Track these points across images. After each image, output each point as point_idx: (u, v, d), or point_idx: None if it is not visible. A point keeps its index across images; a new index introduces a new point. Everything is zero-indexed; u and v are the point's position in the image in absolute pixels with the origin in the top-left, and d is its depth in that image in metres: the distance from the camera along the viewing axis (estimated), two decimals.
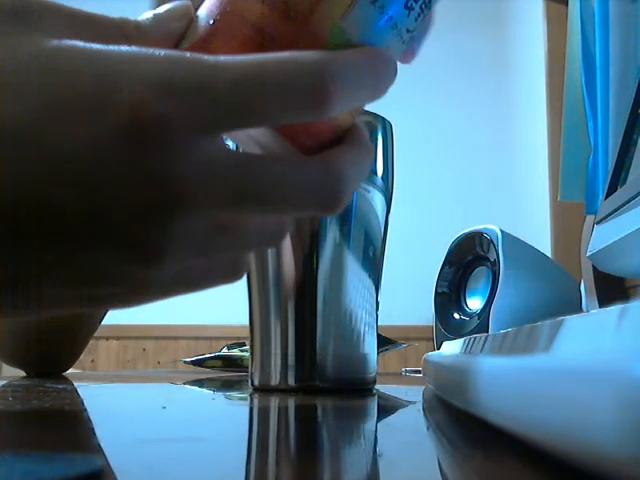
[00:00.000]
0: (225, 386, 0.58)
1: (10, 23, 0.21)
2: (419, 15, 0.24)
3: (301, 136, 0.23)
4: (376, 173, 0.46)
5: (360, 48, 0.23)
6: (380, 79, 0.24)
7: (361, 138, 0.24)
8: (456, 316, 0.92)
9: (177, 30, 0.24)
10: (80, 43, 0.21)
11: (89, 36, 0.22)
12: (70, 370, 0.69)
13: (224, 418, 0.33)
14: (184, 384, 0.59)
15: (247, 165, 0.21)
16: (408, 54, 0.26)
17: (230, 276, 0.26)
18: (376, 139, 0.47)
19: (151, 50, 0.21)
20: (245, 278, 0.47)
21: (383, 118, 0.47)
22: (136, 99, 0.19)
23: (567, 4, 1.29)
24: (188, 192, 0.20)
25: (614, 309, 0.13)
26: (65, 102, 0.20)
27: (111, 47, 0.20)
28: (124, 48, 0.21)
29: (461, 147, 2.18)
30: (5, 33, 0.21)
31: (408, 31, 0.24)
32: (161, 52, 0.20)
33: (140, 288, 0.23)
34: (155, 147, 0.20)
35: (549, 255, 1.56)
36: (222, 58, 0.21)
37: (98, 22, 0.23)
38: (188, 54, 0.21)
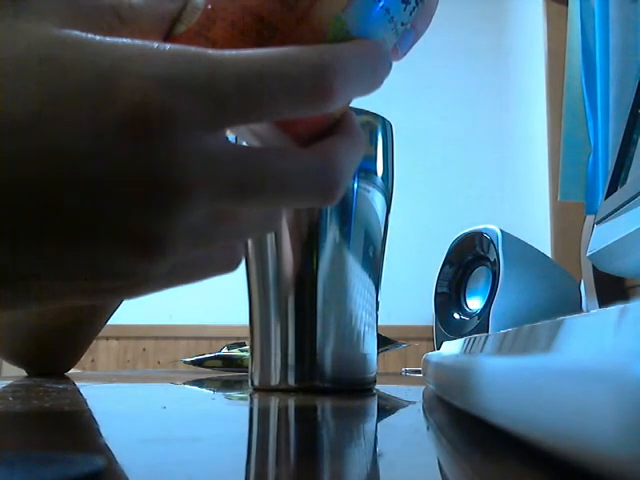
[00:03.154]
0: (225, 386, 0.58)
1: (8, 7, 0.20)
2: (414, 9, 0.25)
3: (297, 127, 0.24)
4: (376, 173, 0.46)
5: (359, 41, 0.23)
6: (377, 72, 0.24)
7: (353, 127, 0.25)
8: (456, 316, 0.92)
9: (172, 11, 0.24)
10: (82, 34, 0.20)
11: (83, 17, 0.21)
12: (70, 370, 0.69)
13: (224, 418, 0.33)
14: (184, 384, 0.59)
15: (247, 158, 0.21)
16: (397, 51, 0.27)
17: (227, 265, 0.26)
18: (376, 139, 0.46)
19: (155, 44, 0.20)
20: (245, 278, 0.47)
21: (383, 118, 0.47)
22: (139, 94, 0.19)
23: (567, 4, 1.29)
24: (189, 187, 0.20)
25: (614, 309, 0.13)
26: (66, 96, 0.19)
27: (115, 40, 0.20)
28: (127, 41, 0.20)
29: (461, 147, 2.18)
30: (4, 18, 0.20)
31: (402, 24, 0.25)
32: (165, 47, 0.20)
33: (140, 281, 0.23)
34: (157, 142, 0.20)
35: (549, 255, 1.56)
36: (226, 53, 0.21)
37: (92, 3, 0.22)
38: (192, 48, 0.21)
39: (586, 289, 0.89)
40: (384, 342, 0.75)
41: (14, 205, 0.20)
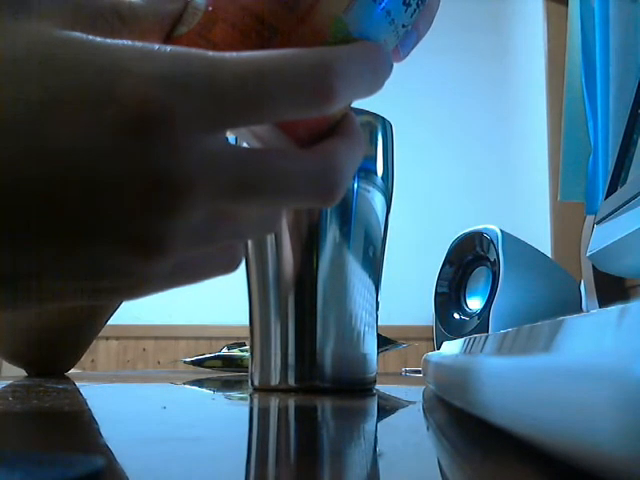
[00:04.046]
0: (225, 386, 0.58)
1: (8, 7, 0.20)
2: (415, 11, 0.25)
3: (298, 128, 0.24)
4: (376, 173, 0.46)
5: (360, 43, 0.23)
6: (378, 74, 0.24)
7: (354, 128, 0.25)
8: (456, 316, 0.92)
9: (173, 12, 0.24)
10: (83, 35, 0.20)
11: (84, 17, 0.21)
12: (70, 370, 0.69)
13: (224, 418, 0.33)
14: (184, 384, 0.59)
15: (247, 159, 0.21)
16: (399, 52, 0.27)
17: (227, 266, 0.26)
18: (376, 139, 0.47)
19: (156, 46, 0.21)
20: (245, 278, 0.47)
21: (383, 118, 0.47)
22: (140, 94, 0.19)
23: (567, 4, 1.29)
24: (189, 187, 0.20)
25: (614, 309, 0.13)
26: (66, 96, 0.19)
27: (115, 41, 0.20)
28: (128, 42, 0.20)
29: (461, 147, 2.18)
30: (4, 18, 0.20)
31: (403, 26, 0.25)
32: (166, 48, 0.20)
33: (140, 281, 0.23)
34: (157, 142, 0.20)
35: (549, 255, 1.56)
36: (227, 54, 0.21)
37: (92, 2, 0.22)
38: (192, 50, 0.21)
39: (586, 289, 0.89)
40: (384, 342, 0.75)
41: (14, 205, 0.20)
